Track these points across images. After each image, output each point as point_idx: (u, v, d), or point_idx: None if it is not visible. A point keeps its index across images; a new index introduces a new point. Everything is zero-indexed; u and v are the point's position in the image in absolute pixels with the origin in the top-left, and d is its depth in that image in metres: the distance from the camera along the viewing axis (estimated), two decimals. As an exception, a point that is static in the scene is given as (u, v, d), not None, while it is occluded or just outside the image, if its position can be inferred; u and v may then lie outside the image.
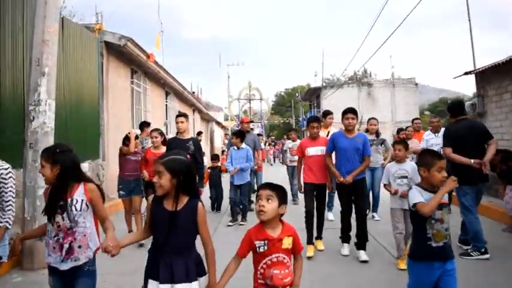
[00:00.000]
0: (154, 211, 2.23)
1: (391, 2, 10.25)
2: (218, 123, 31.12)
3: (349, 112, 4.89)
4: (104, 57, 8.54)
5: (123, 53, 9.27)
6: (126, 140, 5.71)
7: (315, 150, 5.13)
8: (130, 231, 5.63)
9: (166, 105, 14.31)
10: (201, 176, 5.76)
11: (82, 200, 2.38)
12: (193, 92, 23.53)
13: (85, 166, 7.57)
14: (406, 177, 4.39)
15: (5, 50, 5.30)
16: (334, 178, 5.01)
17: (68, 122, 6.89)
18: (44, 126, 4.44)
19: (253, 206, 6.99)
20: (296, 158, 9.03)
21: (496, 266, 4.31)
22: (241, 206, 6.97)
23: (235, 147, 6.85)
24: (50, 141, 4.46)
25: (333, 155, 5.09)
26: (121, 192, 5.69)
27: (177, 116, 5.76)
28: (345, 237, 4.96)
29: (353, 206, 4.85)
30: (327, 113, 7.15)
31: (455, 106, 5.14)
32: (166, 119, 14.10)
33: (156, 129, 6.05)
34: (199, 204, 2.22)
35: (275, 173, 13.44)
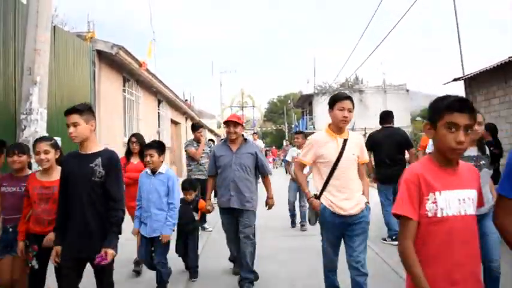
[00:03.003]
0: None
1: (381, 9, 10.41)
2: (211, 130, 31.12)
3: None
4: (95, 66, 8.54)
5: (115, 62, 9.28)
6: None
7: (458, 206, 1.69)
8: None
9: (158, 113, 14.30)
10: (116, 222, 2.76)
11: None
12: (186, 100, 23.56)
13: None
14: None
15: (-4, 59, 5.29)
16: None
17: (60, 131, 6.85)
18: (35, 135, 4.43)
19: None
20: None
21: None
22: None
23: (148, 171, 4.01)
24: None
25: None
26: None
27: (65, 113, 2.77)
28: None
29: None
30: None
31: (382, 115, 5.80)
32: (159, 127, 14.09)
33: (44, 139, 3.32)
34: None
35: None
